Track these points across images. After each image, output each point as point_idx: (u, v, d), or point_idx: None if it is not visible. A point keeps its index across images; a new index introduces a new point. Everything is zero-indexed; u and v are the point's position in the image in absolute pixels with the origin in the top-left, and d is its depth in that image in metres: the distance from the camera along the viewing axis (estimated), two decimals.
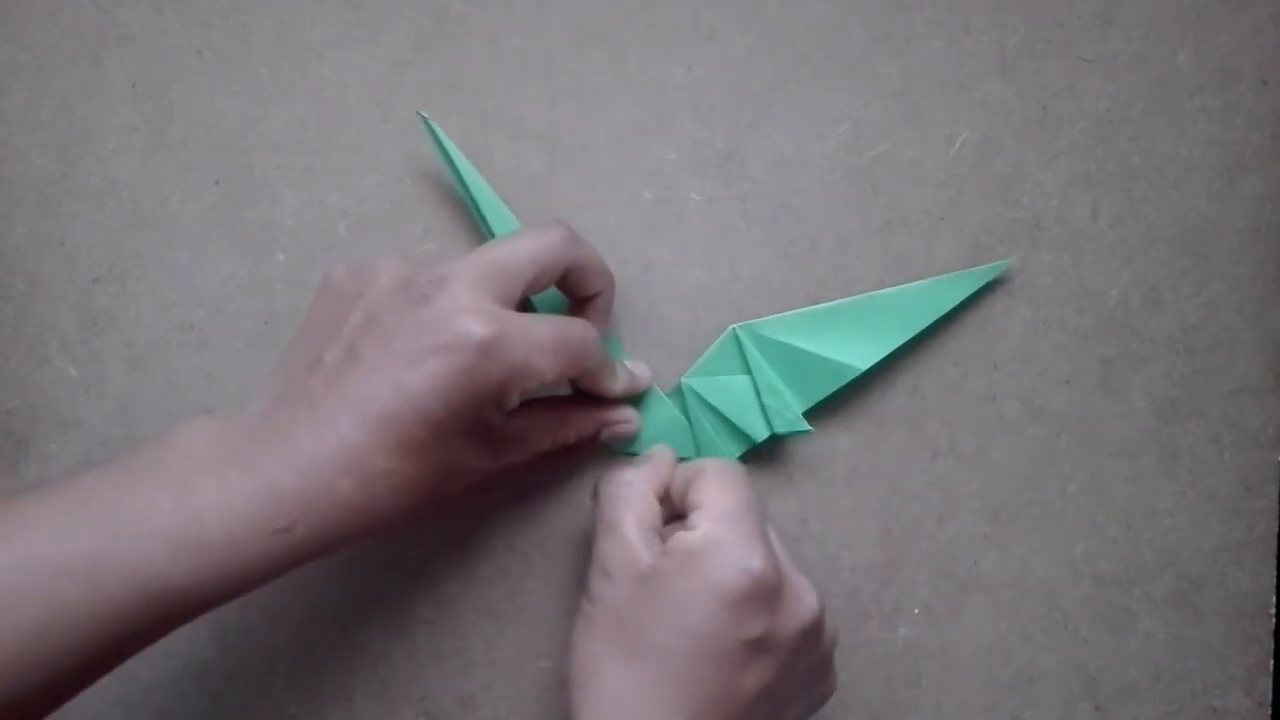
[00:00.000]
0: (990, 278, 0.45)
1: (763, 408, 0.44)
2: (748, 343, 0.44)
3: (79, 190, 0.47)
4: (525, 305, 0.41)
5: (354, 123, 0.47)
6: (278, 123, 0.47)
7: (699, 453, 0.45)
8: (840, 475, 0.46)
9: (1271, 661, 0.46)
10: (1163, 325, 0.46)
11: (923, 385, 0.46)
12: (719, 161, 0.46)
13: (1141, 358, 0.46)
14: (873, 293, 0.45)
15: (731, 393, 0.44)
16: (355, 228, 0.47)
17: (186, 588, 0.33)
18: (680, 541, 0.38)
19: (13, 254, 0.47)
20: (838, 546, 0.46)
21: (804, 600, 0.38)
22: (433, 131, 0.44)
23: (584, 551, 0.46)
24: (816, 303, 0.45)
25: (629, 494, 0.40)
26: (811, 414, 0.44)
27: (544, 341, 0.37)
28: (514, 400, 0.37)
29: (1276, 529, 0.46)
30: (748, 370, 0.44)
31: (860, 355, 0.44)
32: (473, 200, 0.44)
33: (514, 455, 0.40)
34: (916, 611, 0.46)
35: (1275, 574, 0.46)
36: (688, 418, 0.45)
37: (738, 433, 0.44)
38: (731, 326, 0.45)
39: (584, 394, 0.43)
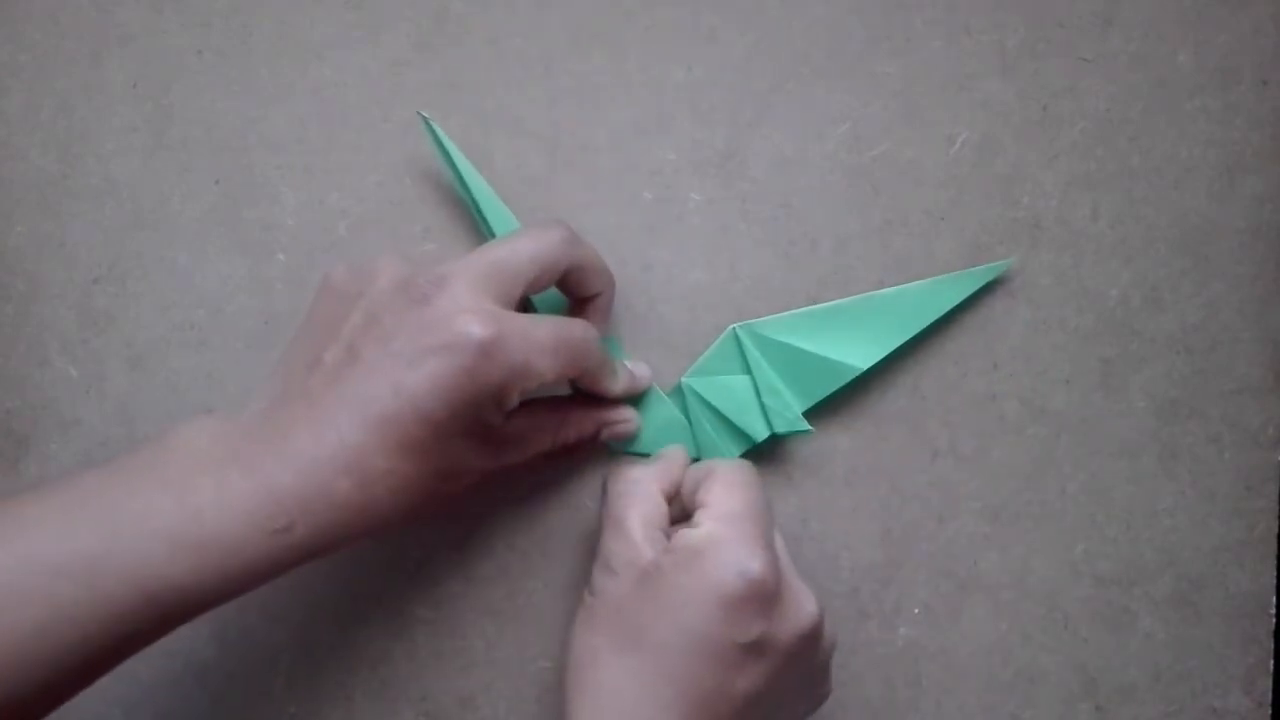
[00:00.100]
0: (990, 278, 0.45)
1: (763, 408, 0.44)
2: (748, 343, 0.44)
3: (79, 190, 0.47)
4: (525, 305, 0.41)
5: (354, 123, 0.47)
6: (278, 123, 0.47)
7: (699, 453, 0.45)
8: (840, 475, 0.46)
9: (1271, 661, 0.46)
10: (1163, 325, 0.46)
11: (923, 385, 0.46)
12: (719, 161, 0.46)
13: (1141, 358, 0.46)
14: (873, 293, 0.45)
15: (731, 393, 0.44)
16: (355, 228, 0.47)
17: (186, 587, 0.33)
18: (682, 539, 0.38)
19: (13, 254, 0.47)
20: (838, 546, 0.46)
21: (803, 606, 0.38)
22: (433, 131, 0.44)
23: (584, 551, 0.46)
24: (816, 303, 0.45)
25: (636, 490, 0.40)
26: (811, 414, 0.44)
27: (544, 342, 0.37)
28: (514, 400, 0.37)
29: (1276, 529, 0.46)
30: (748, 370, 0.44)
31: (860, 355, 0.44)
32: (473, 200, 0.44)
33: (514, 455, 0.40)
34: (916, 611, 0.46)
35: (1275, 574, 0.46)
36: (688, 418, 0.45)
37: (738, 433, 0.44)
38: (731, 326, 0.45)
39: (584, 394, 0.43)
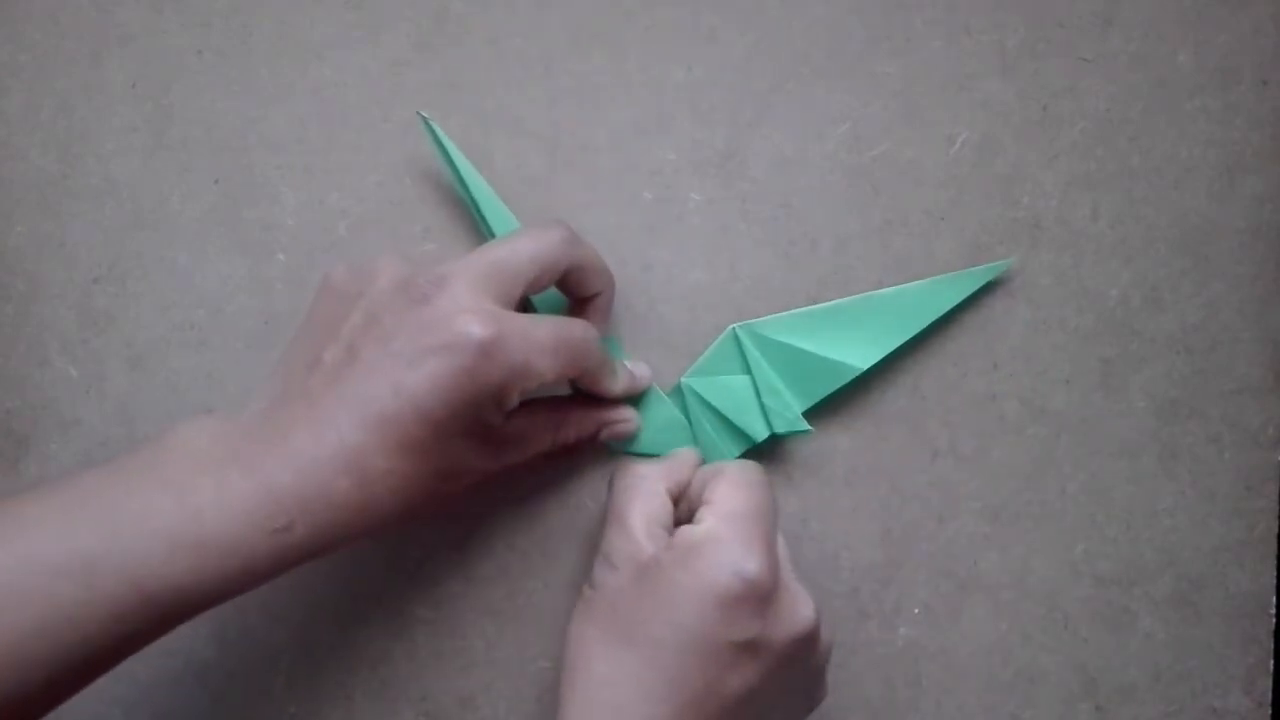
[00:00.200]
0: (990, 278, 0.45)
1: (763, 408, 0.44)
2: (748, 343, 0.44)
3: (79, 190, 0.47)
4: (525, 305, 0.41)
5: (354, 123, 0.47)
6: (278, 123, 0.47)
7: (699, 453, 0.45)
8: (840, 475, 0.46)
9: (1271, 661, 0.46)
10: (1163, 325, 0.46)
11: (923, 385, 0.46)
12: (719, 161, 0.46)
13: (1141, 358, 0.46)
14: (873, 293, 0.45)
15: (731, 393, 0.44)
16: (355, 228, 0.47)
17: (185, 587, 0.33)
18: (682, 535, 0.38)
19: (13, 254, 0.47)
20: (838, 546, 0.46)
21: (799, 610, 0.38)
22: (433, 131, 0.44)
23: (585, 551, 0.46)
24: (816, 303, 0.45)
25: (640, 486, 0.41)
26: (811, 414, 0.44)
27: (544, 342, 0.37)
28: (514, 400, 0.37)
29: (1276, 529, 0.46)
30: (748, 370, 0.44)
31: (860, 355, 0.44)
32: (473, 200, 0.44)
33: (514, 455, 0.40)
34: (916, 611, 0.46)
35: (1275, 574, 0.46)
36: (688, 417, 0.45)
37: (738, 433, 0.44)
38: (731, 326, 0.45)
39: (584, 394, 0.43)
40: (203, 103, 0.47)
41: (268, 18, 0.47)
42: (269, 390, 0.37)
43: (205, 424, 0.36)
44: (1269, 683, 0.46)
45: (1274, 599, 0.46)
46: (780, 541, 0.40)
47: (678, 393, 0.45)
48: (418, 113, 0.45)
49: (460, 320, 0.35)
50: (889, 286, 0.45)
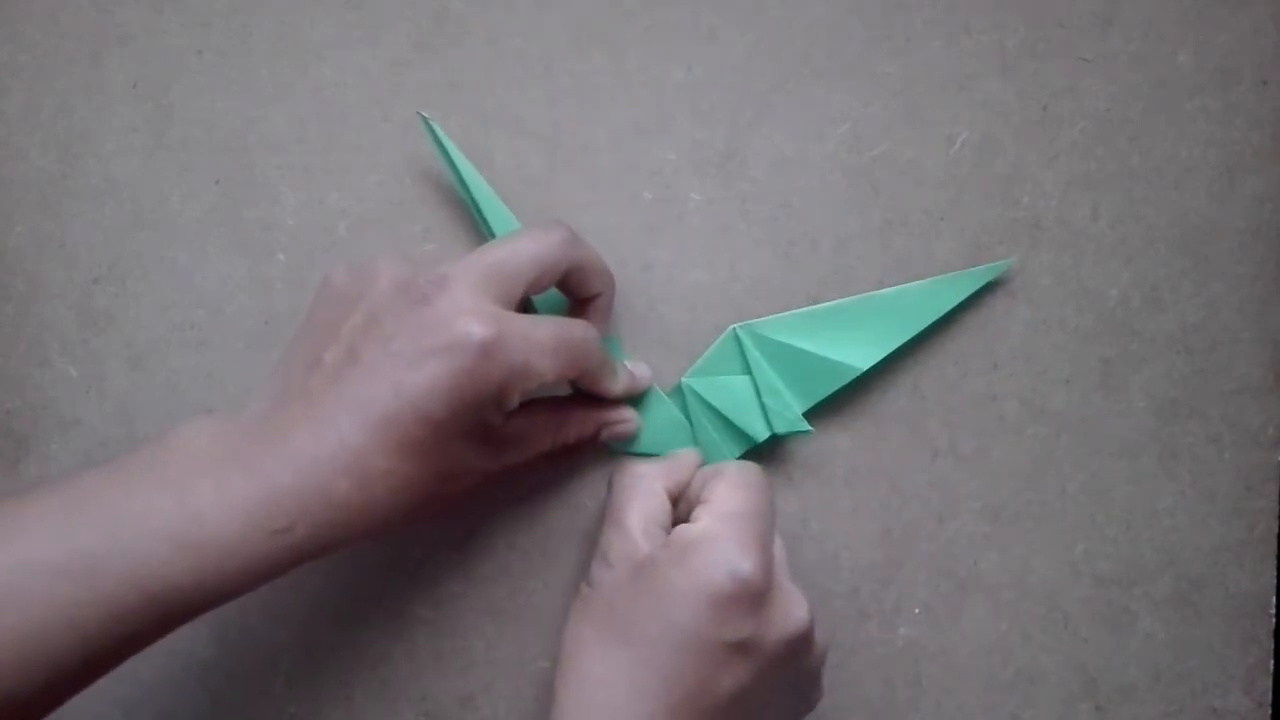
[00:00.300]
0: (990, 278, 0.45)
1: (763, 408, 0.44)
2: (748, 343, 0.44)
3: (79, 190, 0.47)
4: (526, 306, 0.41)
5: (354, 123, 0.47)
6: (278, 123, 0.47)
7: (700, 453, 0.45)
8: (840, 475, 0.46)
9: (1271, 661, 0.46)
10: (1163, 325, 0.46)
11: (923, 385, 0.46)
12: (719, 161, 0.46)
13: (1141, 358, 0.46)
14: (873, 293, 0.45)
15: (731, 393, 0.44)
16: (355, 228, 0.47)
17: (185, 588, 0.33)
18: (678, 534, 0.38)
19: (13, 254, 0.47)
20: (838, 546, 0.46)
21: (793, 611, 0.38)
22: (433, 131, 0.44)
23: (585, 551, 0.46)
24: (816, 303, 0.45)
25: (639, 486, 0.41)
26: (811, 414, 0.44)
27: (544, 343, 0.37)
28: (514, 401, 0.37)
29: (1276, 529, 0.46)
30: (748, 370, 0.44)
31: (860, 355, 0.44)
32: (473, 200, 0.44)
33: (514, 456, 0.40)
34: (916, 611, 0.46)
35: (1275, 574, 0.46)
36: (688, 418, 0.45)
37: (738, 433, 0.44)
38: (731, 326, 0.45)
39: (584, 394, 0.43)
40: (203, 103, 0.47)
41: (268, 18, 0.47)
42: (269, 390, 0.37)
43: (205, 424, 0.36)
44: (1269, 683, 0.46)
45: (1274, 599, 0.46)
46: (778, 543, 0.40)
47: (678, 393, 0.45)
48: (418, 113, 0.45)
49: (461, 321, 0.35)
50: (889, 286, 0.45)
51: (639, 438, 0.45)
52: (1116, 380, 0.46)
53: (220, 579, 0.33)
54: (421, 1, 0.47)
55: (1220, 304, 0.46)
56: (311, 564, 0.35)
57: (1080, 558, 0.46)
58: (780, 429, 0.44)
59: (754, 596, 0.37)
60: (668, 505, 0.41)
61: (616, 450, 0.45)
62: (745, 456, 0.45)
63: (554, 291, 0.42)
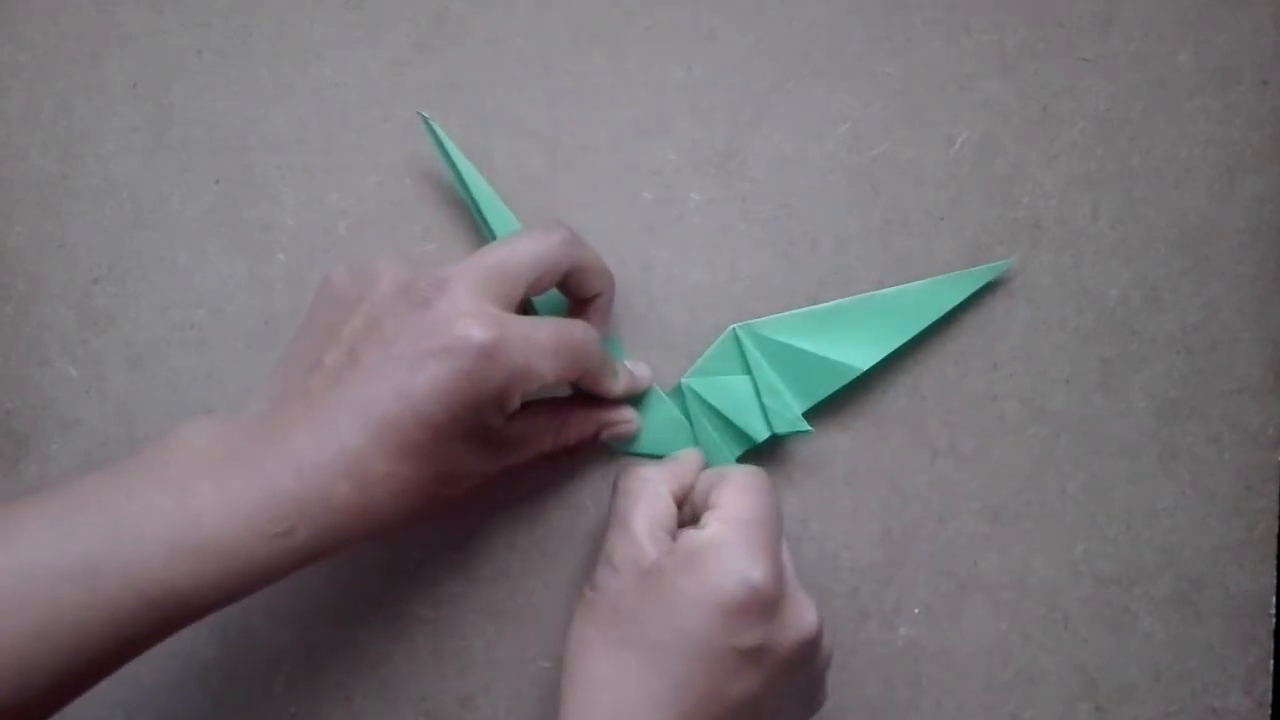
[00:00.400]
0: (990, 278, 0.45)
1: (763, 408, 0.44)
2: (748, 343, 0.44)
3: (79, 190, 0.47)
4: (526, 307, 0.41)
5: (354, 123, 0.47)
6: (278, 123, 0.47)
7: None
8: (840, 475, 0.46)
9: (1271, 661, 0.46)
10: (1163, 325, 0.46)
11: (923, 385, 0.46)
12: (719, 161, 0.46)
13: (1141, 358, 0.46)
14: (873, 293, 0.45)
15: (731, 393, 0.44)
16: (355, 228, 0.47)
17: (185, 591, 0.33)
18: (687, 540, 0.38)
19: (13, 254, 0.47)
20: (838, 546, 0.46)
21: (803, 616, 0.38)
22: (433, 131, 0.44)
23: (585, 551, 0.46)
24: (816, 303, 0.45)
25: (644, 489, 0.40)
26: (811, 414, 0.44)
27: (545, 344, 0.37)
28: (515, 403, 0.37)
29: (1276, 529, 0.46)
30: (748, 370, 0.44)
31: (860, 355, 0.44)
32: (473, 200, 0.44)
33: (514, 457, 0.40)
34: (916, 611, 0.46)
35: (1275, 574, 0.46)
36: (688, 418, 0.45)
37: (738, 433, 0.44)
38: (731, 326, 0.45)
39: (584, 395, 0.43)
40: (203, 103, 0.47)
41: (268, 18, 0.47)
42: (269, 390, 0.37)
43: (205, 425, 0.36)
44: (1269, 683, 0.46)
45: (1274, 599, 0.46)
46: (784, 548, 0.40)
47: (678, 393, 0.45)
48: (418, 113, 0.45)
49: (461, 324, 0.35)
50: (889, 286, 0.45)
51: (639, 438, 0.45)
52: (1116, 380, 0.46)
53: (220, 583, 0.33)
54: (421, 1, 0.47)
55: (1220, 304, 0.46)
56: (312, 565, 0.35)
57: (1080, 558, 0.46)
58: (780, 429, 0.44)
59: (766, 604, 0.37)
60: (673, 508, 0.40)
61: (617, 450, 0.45)
62: (745, 456, 0.45)
63: (554, 292, 0.42)
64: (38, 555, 0.32)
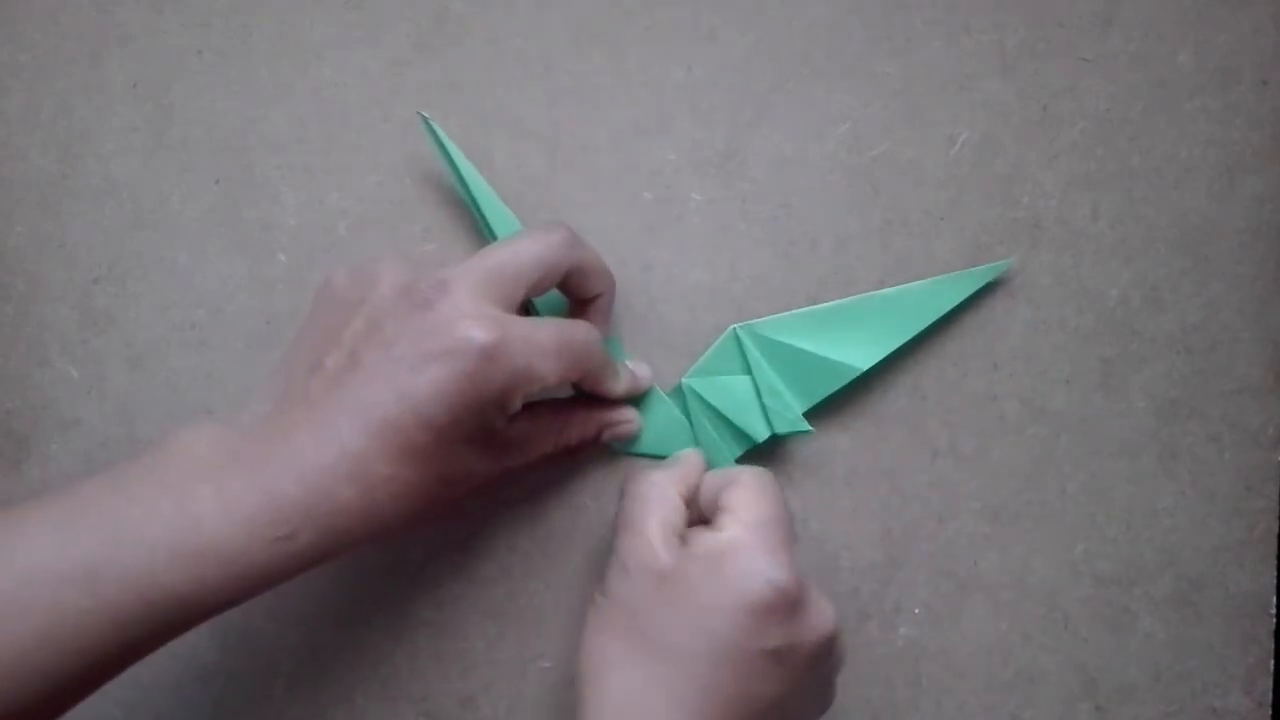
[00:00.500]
0: (990, 278, 0.45)
1: (763, 408, 0.44)
2: (748, 343, 0.44)
3: (79, 190, 0.47)
4: (527, 308, 0.41)
5: (354, 123, 0.47)
6: (278, 123, 0.47)
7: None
8: (840, 475, 0.46)
9: (1271, 661, 0.46)
10: (1163, 325, 0.46)
11: (923, 385, 0.46)
12: (719, 161, 0.46)
13: (1141, 358, 0.46)
14: (873, 293, 0.45)
15: (732, 393, 0.44)
16: (355, 228, 0.47)
17: (186, 595, 0.33)
18: (704, 542, 0.38)
19: (13, 254, 0.47)
20: (838, 546, 0.46)
21: (824, 614, 0.38)
22: (433, 131, 0.44)
23: (586, 552, 0.46)
24: (816, 303, 0.45)
25: (655, 494, 0.40)
26: (811, 414, 0.44)
27: (546, 345, 0.37)
28: (516, 404, 0.37)
29: (1276, 529, 0.46)
30: (748, 370, 0.44)
31: (860, 355, 0.44)
32: (473, 200, 0.44)
33: (516, 459, 0.40)
34: (916, 611, 0.46)
35: (1275, 574, 0.46)
36: (688, 418, 0.45)
37: (738, 433, 0.44)
38: (732, 326, 0.45)
39: (585, 395, 0.43)
40: (203, 103, 0.47)
41: (268, 18, 0.47)
42: (269, 392, 0.37)
43: (205, 429, 0.36)
44: (1269, 683, 0.46)
45: (1274, 599, 0.46)
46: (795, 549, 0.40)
47: (678, 393, 0.45)
48: (418, 113, 0.45)
49: (462, 325, 0.35)
50: (889, 286, 0.45)
51: (641, 438, 0.45)
52: (1116, 380, 0.46)
53: (222, 586, 0.33)
54: (421, 1, 0.47)
55: (1220, 304, 0.46)
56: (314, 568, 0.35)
57: (1080, 558, 0.46)
58: (780, 429, 0.44)
59: (790, 604, 0.37)
60: (683, 511, 0.40)
61: (618, 451, 0.45)
62: (745, 456, 0.45)
63: (555, 293, 0.42)
64: (39, 560, 0.32)
